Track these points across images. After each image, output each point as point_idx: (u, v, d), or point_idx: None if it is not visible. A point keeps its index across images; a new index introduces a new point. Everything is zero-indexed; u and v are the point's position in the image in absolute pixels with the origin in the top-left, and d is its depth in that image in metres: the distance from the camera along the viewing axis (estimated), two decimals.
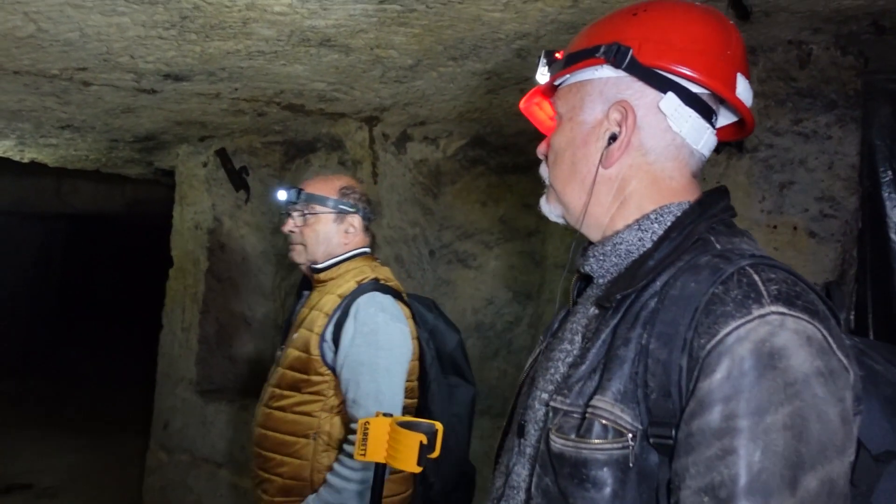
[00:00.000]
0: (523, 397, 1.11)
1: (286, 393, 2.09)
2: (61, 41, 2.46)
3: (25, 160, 4.81)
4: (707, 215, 0.98)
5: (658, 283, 0.92)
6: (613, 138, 1.01)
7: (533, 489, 0.97)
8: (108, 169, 5.16)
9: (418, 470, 1.11)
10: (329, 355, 2.05)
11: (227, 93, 3.12)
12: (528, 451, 1.03)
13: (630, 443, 0.86)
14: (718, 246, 0.93)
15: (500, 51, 2.51)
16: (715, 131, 1.03)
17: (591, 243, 1.08)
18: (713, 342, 0.82)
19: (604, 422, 0.88)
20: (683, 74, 0.97)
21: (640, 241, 1.00)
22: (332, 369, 2.05)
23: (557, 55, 1.09)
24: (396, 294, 2.14)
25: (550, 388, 1.01)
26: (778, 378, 0.79)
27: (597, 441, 0.88)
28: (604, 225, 1.05)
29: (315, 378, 2.06)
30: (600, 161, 1.02)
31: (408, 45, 2.48)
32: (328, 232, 2.18)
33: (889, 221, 2.78)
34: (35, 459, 5.75)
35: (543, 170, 1.13)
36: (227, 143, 4.14)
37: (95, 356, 9.94)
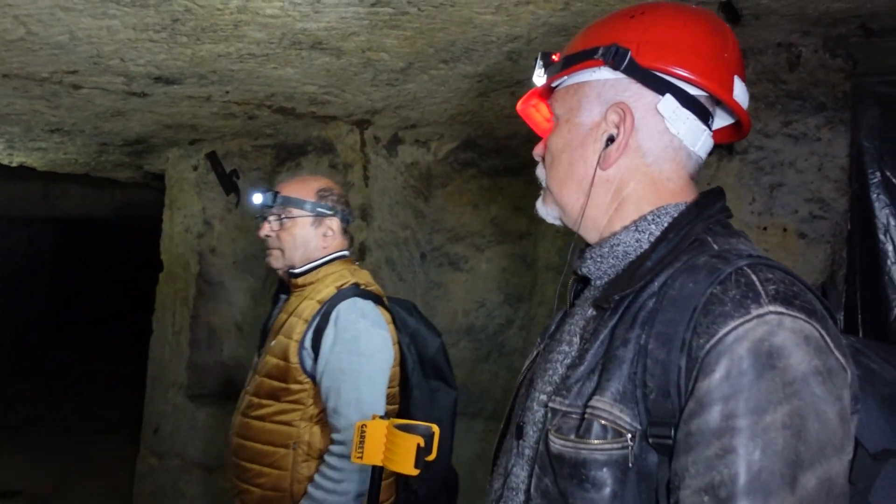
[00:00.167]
0: (521, 399, 1.11)
1: (264, 402, 2.04)
2: (51, 44, 2.45)
3: (14, 164, 4.78)
4: (704, 216, 0.98)
5: (656, 284, 0.92)
6: (611, 140, 1.01)
7: (532, 490, 0.97)
8: (98, 173, 5.13)
9: (415, 472, 1.11)
10: (308, 363, 2.01)
11: (218, 96, 3.11)
12: (527, 452, 1.03)
13: (629, 443, 0.87)
14: (716, 246, 0.93)
15: (491, 54, 2.51)
16: (711, 133, 1.04)
17: (587, 245, 1.08)
18: (712, 342, 0.83)
19: (603, 422, 0.88)
20: (681, 76, 0.98)
21: (637, 242, 1.00)
22: (312, 377, 2.00)
23: (554, 57, 1.09)
24: (377, 299, 2.10)
25: (549, 389, 1.01)
26: (777, 377, 0.80)
27: (596, 441, 0.88)
28: (601, 226, 1.05)
29: (294, 387, 2.01)
30: (598, 163, 1.02)
31: (399, 48, 2.48)
32: (306, 236, 2.13)
33: (878, 223, 2.80)
34: (24, 465, 5.70)
35: (540, 171, 1.12)
36: (218, 147, 4.13)
37: (85, 361, 9.88)
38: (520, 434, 1.05)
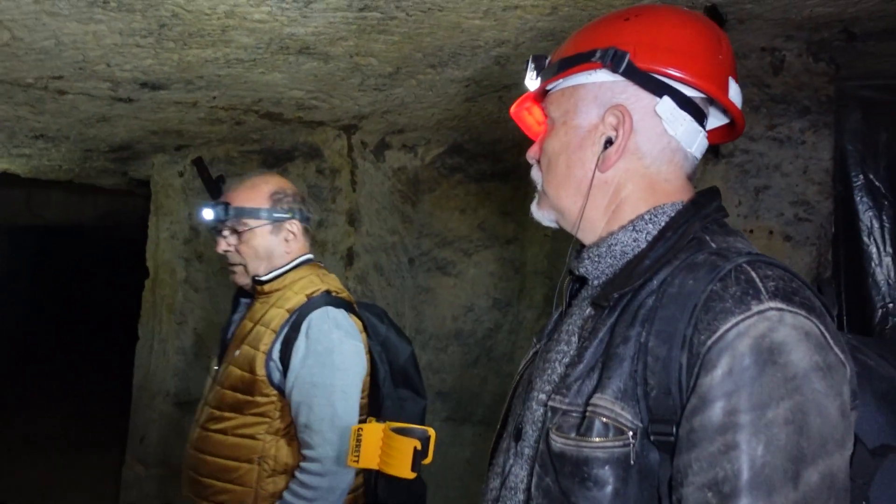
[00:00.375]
0: (518, 399, 1.11)
1: (227, 414, 1.92)
2: (37, 49, 2.43)
3: None
4: (701, 215, 0.99)
5: (655, 282, 0.93)
6: (609, 142, 1.01)
7: (533, 489, 0.97)
8: (82, 179, 5.09)
9: (412, 476, 1.11)
10: (276, 375, 1.89)
11: (205, 101, 3.09)
12: (527, 451, 1.03)
13: (631, 441, 0.87)
14: (714, 245, 0.94)
15: (478, 58, 2.52)
16: (706, 134, 1.05)
17: (584, 245, 1.09)
18: (713, 338, 0.83)
19: (604, 420, 0.89)
20: (679, 78, 0.99)
21: (634, 241, 1.01)
22: (280, 390, 1.89)
23: (547, 60, 1.10)
24: (349, 306, 2.00)
25: (548, 388, 1.01)
26: (778, 373, 0.81)
27: (597, 439, 0.88)
28: (599, 228, 1.05)
29: (260, 399, 1.90)
30: (596, 165, 1.02)
31: (387, 53, 2.48)
32: (267, 245, 2.02)
33: (862, 225, 2.84)
34: (8, 476, 5.63)
35: (535, 174, 1.12)
36: (204, 152, 4.10)
37: (68, 370, 9.77)
38: (518, 433, 1.05)
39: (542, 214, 1.12)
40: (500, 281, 3.89)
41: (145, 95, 2.99)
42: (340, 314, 1.93)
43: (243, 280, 2.07)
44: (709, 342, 0.83)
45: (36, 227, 8.13)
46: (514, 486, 1.03)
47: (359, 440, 1.15)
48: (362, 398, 1.97)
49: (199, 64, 2.59)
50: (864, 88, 2.78)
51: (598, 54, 1.00)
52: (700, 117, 1.03)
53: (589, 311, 1.02)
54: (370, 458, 1.15)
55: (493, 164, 3.84)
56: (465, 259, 3.95)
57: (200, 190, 4.20)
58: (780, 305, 0.83)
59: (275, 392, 1.90)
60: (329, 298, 1.95)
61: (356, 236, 3.59)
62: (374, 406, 2.04)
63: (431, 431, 1.15)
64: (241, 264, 2.04)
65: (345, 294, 2.04)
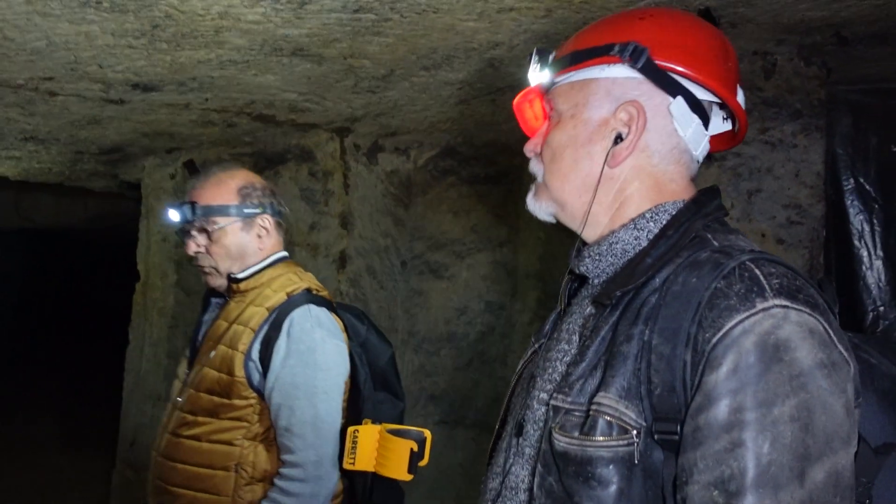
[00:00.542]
0: (518, 398, 1.11)
1: (201, 419, 1.83)
2: (28, 50, 2.41)
3: None
4: (702, 213, 0.99)
5: (658, 280, 0.93)
6: (619, 138, 1.01)
7: (535, 489, 0.96)
8: (72, 182, 5.06)
9: (409, 478, 1.11)
10: (255, 377, 1.82)
11: (197, 103, 3.08)
12: (528, 450, 1.02)
13: (635, 439, 0.87)
14: (716, 243, 0.94)
15: (472, 60, 2.52)
16: (709, 138, 1.05)
17: (584, 244, 1.08)
18: (718, 336, 0.83)
19: (608, 418, 0.88)
20: (694, 78, 0.99)
21: (636, 240, 1.00)
22: (259, 392, 1.82)
23: (551, 55, 1.09)
24: (329, 305, 1.93)
25: (549, 387, 1.01)
26: (784, 370, 0.80)
27: (601, 438, 0.88)
28: (602, 225, 1.05)
29: (238, 402, 1.81)
30: (605, 160, 1.02)
31: (381, 55, 2.48)
32: (240, 243, 1.95)
33: (853, 229, 2.86)
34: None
35: (536, 166, 1.11)
36: (196, 155, 4.09)
37: (58, 374, 9.70)
38: (519, 432, 1.04)
39: (538, 206, 1.10)
40: (493, 284, 3.89)
41: (137, 97, 2.97)
42: (323, 312, 1.88)
43: (218, 282, 2.00)
44: (713, 340, 0.83)
45: (25, 230, 8.06)
46: (515, 486, 1.03)
47: (355, 442, 1.14)
48: (343, 400, 1.90)
49: (191, 65, 2.57)
50: (855, 92, 2.80)
51: (616, 48, 1.00)
52: (706, 121, 1.03)
53: (590, 309, 1.02)
54: (366, 461, 1.14)
55: (486, 166, 3.84)
56: (457, 262, 3.95)
57: None
58: (784, 303, 0.83)
59: (254, 395, 1.83)
60: (310, 297, 1.89)
61: (349, 239, 3.58)
62: (354, 409, 1.95)
63: (427, 433, 1.14)
64: (212, 266, 1.97)
65: (325, 292, 1.99)
